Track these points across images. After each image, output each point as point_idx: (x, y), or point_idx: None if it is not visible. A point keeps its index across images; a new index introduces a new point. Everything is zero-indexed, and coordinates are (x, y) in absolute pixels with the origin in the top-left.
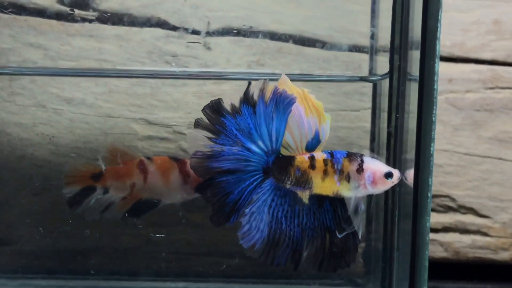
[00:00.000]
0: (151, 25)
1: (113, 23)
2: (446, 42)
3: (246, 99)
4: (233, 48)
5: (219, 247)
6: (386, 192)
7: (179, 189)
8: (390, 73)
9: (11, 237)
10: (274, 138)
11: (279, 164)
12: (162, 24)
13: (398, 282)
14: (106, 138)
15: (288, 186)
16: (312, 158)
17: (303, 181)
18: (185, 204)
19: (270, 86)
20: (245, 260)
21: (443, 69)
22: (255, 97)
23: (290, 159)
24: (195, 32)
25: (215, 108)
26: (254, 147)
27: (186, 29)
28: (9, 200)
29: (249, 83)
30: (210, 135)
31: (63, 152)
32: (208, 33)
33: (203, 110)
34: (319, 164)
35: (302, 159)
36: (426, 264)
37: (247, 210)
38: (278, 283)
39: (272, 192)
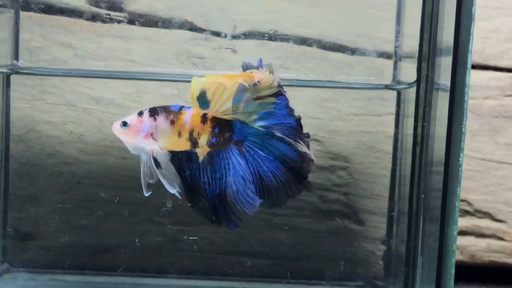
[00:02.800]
0: (179, 27)
1: (142, 25)
2: None
3: None
4: (258, 51)
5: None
6: (411, 195)
7: None
8: (418, 81)
9: (39, 233)
10: None
11: None
12: (189, 26)
13: (422, 287)
14: None
15: None
16: None
17: None
18: None
19: None
20: (268, 260)
21: None
22: None
23: None
24: (222, 35)
25: None
26: None
27: (212, 32)
28: (38, 196)
29: None
30: None
31: (91, 150)
32: (234, 36)
33: None
34: None
35: None
36: (453, 271)
37: None
38: (301, 283)
39: None
